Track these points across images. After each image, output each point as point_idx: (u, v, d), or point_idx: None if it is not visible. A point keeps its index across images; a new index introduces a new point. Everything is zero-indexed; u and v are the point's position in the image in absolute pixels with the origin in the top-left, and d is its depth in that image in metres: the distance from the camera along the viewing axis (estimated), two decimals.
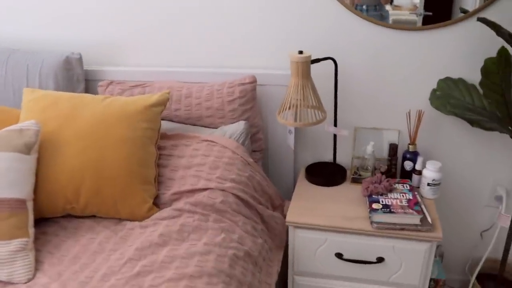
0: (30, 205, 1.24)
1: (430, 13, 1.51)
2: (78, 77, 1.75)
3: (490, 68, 1.34)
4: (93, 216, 1.39)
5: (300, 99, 1.46)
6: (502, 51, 1.32)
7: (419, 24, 1.51)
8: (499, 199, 1.68)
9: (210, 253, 1.21)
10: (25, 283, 1.14)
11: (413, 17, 1.52)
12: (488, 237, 1.78)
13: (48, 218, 1.38)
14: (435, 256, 1.81)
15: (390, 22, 1.53)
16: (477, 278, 1.76)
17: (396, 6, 1.54)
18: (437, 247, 1.85)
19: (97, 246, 1.25)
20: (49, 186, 1.31)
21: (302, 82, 1.45)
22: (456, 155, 1.66)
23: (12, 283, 1.14)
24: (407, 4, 1.53)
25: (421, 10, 1.51)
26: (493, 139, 1.61)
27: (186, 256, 1.18)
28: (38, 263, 1.21)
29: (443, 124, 1.63)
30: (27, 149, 1.26)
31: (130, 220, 1.35)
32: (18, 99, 1.73)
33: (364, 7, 1.54)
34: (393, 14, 1.55)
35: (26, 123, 1.29)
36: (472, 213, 1.75)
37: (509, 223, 1.56)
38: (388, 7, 1.55)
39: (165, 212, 1.33)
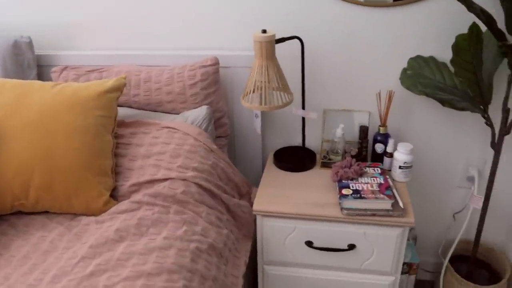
0: None
1: None
2: (29, 62, 1.63)
3: (461, 45, 1.29)
4: (46, 212, 1.30)
5: (265, 81, 1.38)
6: (474, 27, 1.27)
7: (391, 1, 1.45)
8: (471, 179, 1.65)
9: (170, 248, 1.13)
10: None
11: None
12: (460, 219, 1.76)
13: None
14: (408, 239, 1.78)
15: (362, 1, 1.45)
16: (450, 259, 1.74)
17: None
18: (410, 230, 1.82)
19: (49, 244, 1.16)
20: None
21: (266, 63, 1.37)
22: (428, 136, 1.62)
23: None
24: None
25: None
26: (465, 119, 1.57)
27: (145, 252, 1.11)
28: None
29: (415, 105, 1.58)
30: None
31: (86, 215, 1.27)
32: None
33: None
34: None
35: None
36: (445, 195, 1.72)
37: (481, 204, 1.53)
38: None
39: (123, 205, 1.25)
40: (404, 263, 1.67)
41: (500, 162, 1.62)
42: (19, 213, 1.29)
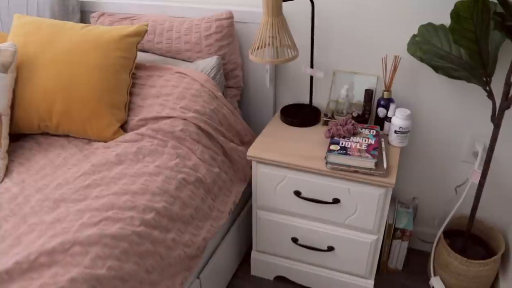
0: (5, 118, 1.38)
1: None
2: (73, 7, 1.84)
3: (461, 12, 1.28)
4: (67, 136, 1.52)
5: (270, 37, 1.47)
6: None
7: None
8: (476, 155, 1.64)
9: (159, 175, 1.29)
10: None
11: None
12: (462, 193, 1.75)
13: (28, 134, 1.52)
14: (408, 207, 1.81)
15: None
16: (446, 233, 1.76)
17: None
18: (413, 199, 1.85)
19: (62, 160, 1.38)
20: (25, 104, 1.43)
21: (272, 19, 1.45)
22: (435, 107, 1.62)
23: None
24: None
25: None
26: (472, 92, 1.55)
27: (135, 175, 1.28)
28: (8, 171, 1.35)
29: (423, 73, 1.58)
30: (4, 68, 1.37)
31: (98, 141, 1.47)
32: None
33: None
34: None
35: (4, 44, 1.40)
36: (449, 168, 1.72)
37: (479, 176, 1.53)
38: None
39: (128, 135, 1.43)
40: (398, 229, 1.72)
41: (501, 138, 1.59)
42: (46, 134, 1.52)
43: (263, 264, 1.76)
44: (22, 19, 1.58)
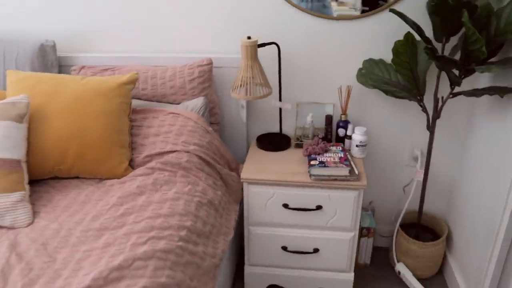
0: (24, 165, 1.52)
1: (367, 8, 1.89)
2: (52, 62, 2.02)
3: (399, 49, 1.74)
4: (77, 178, 1.68)
5: (250, 77, 1.81)
6: (408, 35, 1.72)
7: None
8: (416, 159, 2.11)
9: (179, 199, 1.53)
10: (26, 226, 1.42)
11: (353, 12, 1.90)
12: (409, 192, 2.20)
13: (39, 180, 1.66)
14: (368, 210, 2.21)
15: (335, 15, 1.89)
16: (402, 226, 2.18)
17: (340, 2, 1.91)
18: (370, 203, 2.26)
19: (84, 197, 1.55)
20: (39, 150, 1.59)
21: (251, 62, 1.80)
22: (381, 122, 2.07)
23: (15, 228, 1.42)
24: (350, 0, 1.90)
25: (359, 5, 1.90)
26: (409, 108, 2.02)
27: (160, 201, 1.51)
28: (35, 213, 1.49)
29: (369, 98, 2.03)
30: (20, 118, 1.53)
31: (109, 179, 1.66)
32: None
33: None
34: (337, 10, 1.91)
35: (17, 97, 1.56)
36: (396, 172, 2.17)
37: (422, 176, 1.98)
38: (333, 3, 1.90)
39: (140, 170, 1.65)
40: (363, 227, 2.10)
41: (435, 142, 2.08)
42: (56, 178, 1.67)
43: (256, 276, 2.01)
44: (18, 74, 1.74)
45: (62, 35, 2.08)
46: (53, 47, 2.01)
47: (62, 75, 1.75)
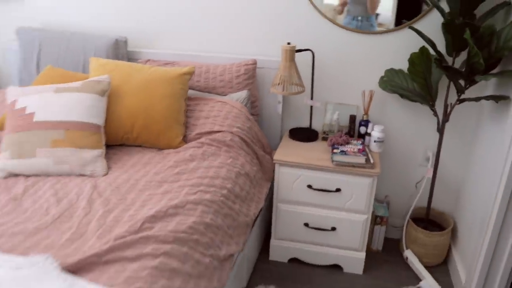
0: (102, 130, 1.95)
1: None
2: (123, 55, 2.47)
3: (414, 60, 2.09)
4: (140, 146, 2.10)
5: (287, 77, 2.19)
6: (423, 49, 2.06)
7: None
8: (428, 159, 2.42)
9: (222, 167, 1.92)
10: (103, 175, 1.83)
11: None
12: (420, 188, 2.51)
13: (110, 145, 2.08)
14: (383, 203, 2.53)
15: (359, 29, 2.28)
16: (412, 220, 2.48)
17: (379, 23, 2.28)
18: (385, 197, 2.58)
19: (147, 159, 1.96)
20: (114, 121, 2.01)
21: (289, 64, 2.18)
22: (398, 125, 2.41)
23: (94, 177, 1.83)
24: (388, 22, 2.27)
25: (392, 26, 2.26)
26: (422, 114, 2.35)
27: (207, 167, 1.89)
28: (108, 168, 1.90)
29: (388, 101, 2.37)
30: (102, 93, 1.96)
31: (166, 149, 2.06)
32: (75, 70, 2.43)
33: (359, 18, 2.28)
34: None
35: (101, 77, 2.00)
36: (410, 171, 2.49)
37: (431, 174, 2.29)
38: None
39: (191, 144, 2.05)
40: (377, 216, 2.41)
41: (444, 144, 2.39)
42: (123, 145, 2.09)
43: (280, 249, 2.36)
44: (98, 61, 2.18)
45: (133, 33, 2.54)
46: (125, 42, 2.46)
47: (134, 63, 2.19)
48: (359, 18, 2.27)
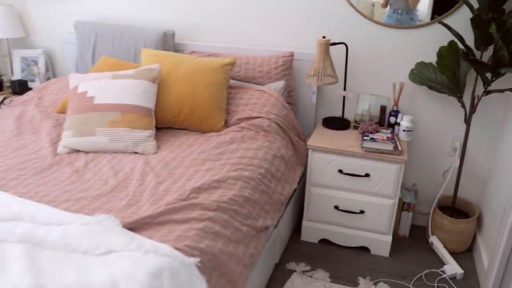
0: (153, 113, 2.18)
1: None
2: (170, 47, 2.70)
3: (443, 53, 2.22)
4: (185, 129, 2.32)
5: (322, 68, 2.37)
6: (452, 43, 2.19)
7: None
8: (455, 149, 2.54)
9: (260, 150, 2.11)
10: (153, 154, 2.06)
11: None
12: (448, 177, 2.63)
13: (159, 128, 2.31)
14: (410, 191, 2.67)
15: (394, 24, 2.43)
16: (438, 208, 2.61)
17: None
18: (413, 185, 2.71)
19: (192, 141, 2.18)
20: (163, 105, 2.24)
21: (324, 57, 2.36)
22: (427, 116, 2.54)
23: (145, 154, 2.07)
24: (424, 18, 2.41)
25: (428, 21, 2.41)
26: (450, 106, 2.48)
27: (247, 149, 2.09)
28: (157, 147, 2.13)
29: (418, 93, 2.51)
30: (153, 80, 2.20)
31: (209, 132, 2.27)
32: (127, 60, 2.68)
33: (400, 11, 2.44)
34: None
35: (152, 65, 2.24)
36: (438, 160, 2.61)
37: (458, 163, 2.42)
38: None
39: (232, 128, 2.25)
40: (405, 203, 2.56)
41: (471, 135, 2.51)
42: (170, 128, 2.32)
43: (311, 230, 2.54)
44: (149, 52, 2.42)
45: (179, 27, 2.77)
46: (173, 35, 2.69)
47: (181, 54, 2.41)
48: (399, 11, 2.42)
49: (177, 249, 1.43)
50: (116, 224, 1.52)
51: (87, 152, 2.09)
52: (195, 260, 1.42)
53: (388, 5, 2.43)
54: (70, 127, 2.10)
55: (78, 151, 2.11)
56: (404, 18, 2.42)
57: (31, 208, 1.59)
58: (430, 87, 2.32)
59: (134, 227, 1.54)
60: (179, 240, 1.48)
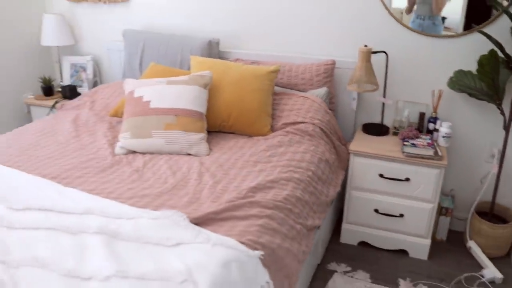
0: (204, 118, 2.32)
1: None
2: (215, 55, 2.85)
3: (483, 61, 2.32)
4: (233, 133, 2.46)
5: (363, 75, 2.48)
6: (492, 51, 2.29)
7: None
8: (493, 156, 2.63)
9: (307, 153, 2.24)
10: (206, 155, 2.20)
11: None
12: (486, 183, 2.71)
13: (209, 132, 2.44)
14: (448, 196, 2.76)
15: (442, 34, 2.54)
16: (476, 213, 2.69)
17: (446, 27, 2.54)
18: (450, 190, 2.80)
19: (242, 144, 2.31)
20: (213, 110, 2.39)
21: (365, 64, 2.47)
22: (465, 123, 2.64)
23: (198, 156, 2.20)
24: (455, 26, 2.52)
25: (460, 30, 2.51)
26: (490, 112, 2.57)
27: (294, 152, 2.22)
28: (209, 150, 2.27)
29: (456, 101, 2.61)
30: (205, 86, 2.34)
31: (256, 136, 2.40)
32: (173, 67, 2.84)
33: (423, 16, 2.56)
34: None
35: (204, 72, 2.38)
36: (476, 166, 2.70)
37: (497, 169, 2.50)
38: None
39: (278, 132, 2.39)
40: (443, 207, 2.65)
41: (510, 140, 2.59)
42: (219, 131, 2.46)
43: (350, 232, 2.65)
44: (197, 59, 2.58)
45: (224, 35, 2.93)
46: (218, 43, 2.84)
47: (227, 61, 2.55)
48: (422, 17, 2.53)
49: (241, 243, 1.56)
50: (183, 219, 1.65)
51: (143, 153, 2.24)
52: (259, 253, 1.55)
53: (413, 11, 2.54)
54: (128, 129, 2.25)
55: (134, 152, 2.26)
56: (426, 24, 2.54)
57: (101, 204, 1.74)
58: (470, 94, 2.42)
59: (198, 222, 1.67)
60: (242, 234, 1.61)
